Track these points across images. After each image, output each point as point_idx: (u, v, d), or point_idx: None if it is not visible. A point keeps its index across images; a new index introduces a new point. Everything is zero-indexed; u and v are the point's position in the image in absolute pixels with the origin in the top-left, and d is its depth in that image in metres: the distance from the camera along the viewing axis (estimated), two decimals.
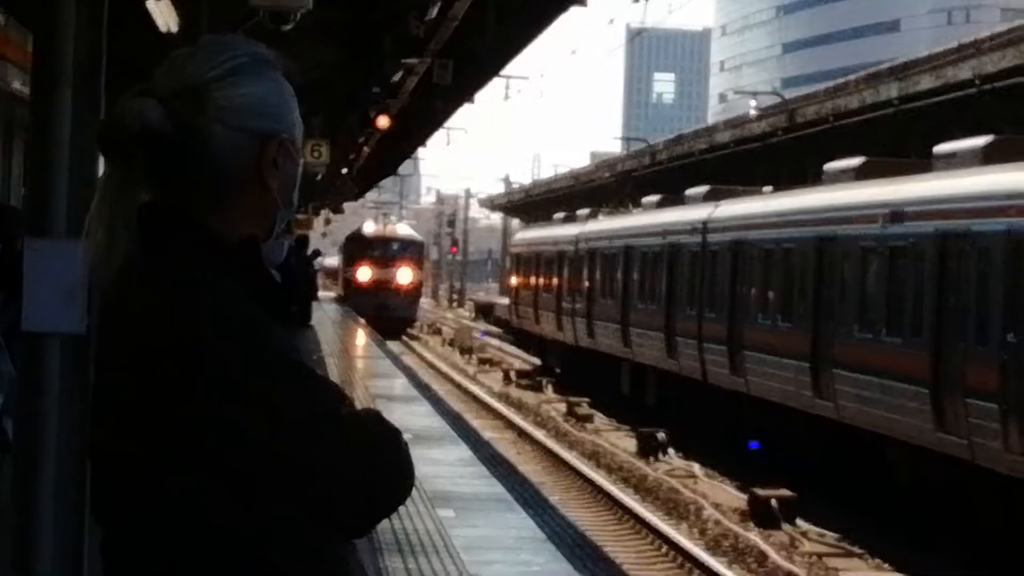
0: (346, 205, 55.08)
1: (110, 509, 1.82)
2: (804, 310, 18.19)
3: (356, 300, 45.57)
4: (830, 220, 17.70)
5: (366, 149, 25.43)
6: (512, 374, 32.57)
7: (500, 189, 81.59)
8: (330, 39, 12.91)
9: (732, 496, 17.00)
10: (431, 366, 34.39)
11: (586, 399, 26.28)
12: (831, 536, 14.72)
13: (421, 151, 36.28)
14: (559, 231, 34.88)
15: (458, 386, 29.38)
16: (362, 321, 36.72)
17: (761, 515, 15.29)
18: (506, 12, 14.20)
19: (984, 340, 13.59)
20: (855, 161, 18.61)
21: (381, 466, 1.79)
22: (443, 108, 20.18)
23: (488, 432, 20.70)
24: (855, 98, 25.00)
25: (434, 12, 11.82)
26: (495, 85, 20.57)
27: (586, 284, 30.18)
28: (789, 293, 18.83)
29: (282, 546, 1.76)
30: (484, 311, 60.66)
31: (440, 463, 12.74)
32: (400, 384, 20.87)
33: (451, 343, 44.02)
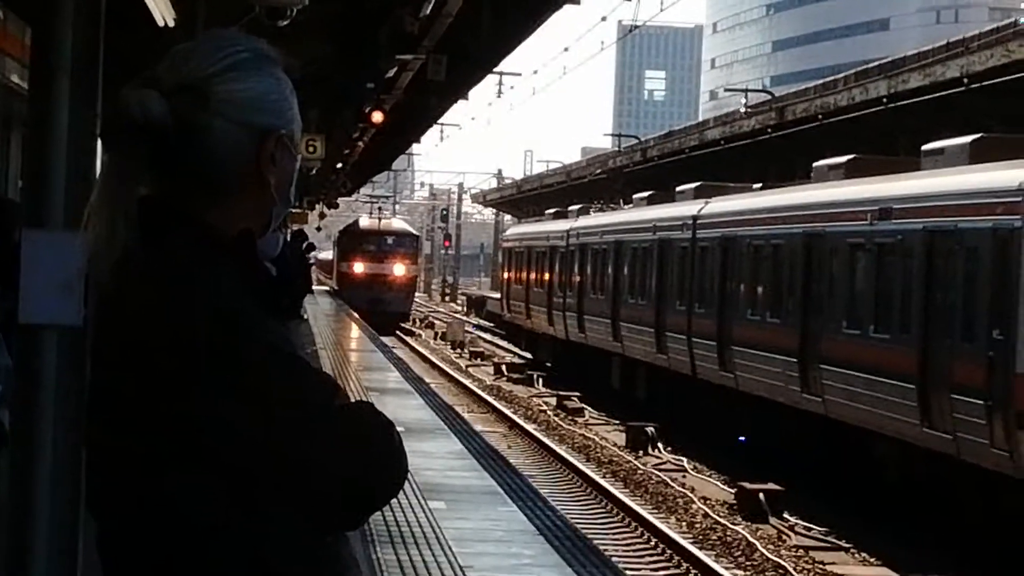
0: (340, 200, 55.07)
1: (106, 504, 1.83)
2: (792, 306, 18.30)
3: (350, 294, 45.48)
4: (819, 217, 17.81)
5: (360, 144, 25.47)
6: (503, 368, 32.66)
7: (493, 184, 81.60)
8: (325, 35, 12.98)
9: (720, 490, 17.11)
10: (424, 359, 34.45)
11: (576, 393, 26.38)
12: (818, 530, 14.83)
13: (415, 146, 36.33)
14: (550, 226, 34.95)
15: (450, 379, 29.46)
16: (355, 315, 36.76)
17: (749, 509, 15.41)
18: (500, 9, 14.26)
19: (970, 337, 13.70)
20: (844, 158, 18.72)
21: (374, 458, 1.80)
22: (437, 104, 20.24)
23: (479, 425, 20.78)
24: (844, 96, 25.11)
25: (428, 8, 11.88)
26: (488, 81, 20.63)
27: (577, 279, 30.26)
28: (778, 289, 18.93)
29: (278, 543, 1.76)
30: (476, 305, 60.72)
31: (431, 456, 12.83)
32: (393, 377, 20.96)
33: (443, 336, 44.06)
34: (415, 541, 8.57)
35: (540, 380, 30.28)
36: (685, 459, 19.31)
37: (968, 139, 15.60)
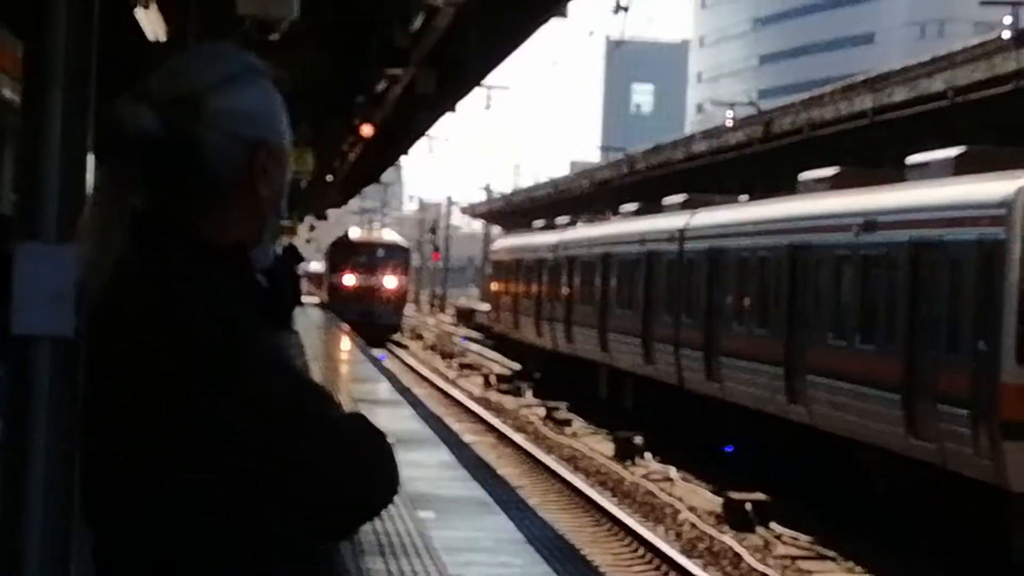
0: (330, 212, 55.08)
1: (103, 511, 1.84)
2: (779, 317, 18.40)
3: (341, 306, 45.32)
4: (805, 229, 17.92)
5: (350, 157, 25.55)
6: (492, 379, 32.70)
7: (481, 197, 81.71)
8: (316, 48, 13.05)
9: (707, 499, 17.18)
10: (413, 370, 34.48)
11: (564, 403, 26.45)
12: (805, 539, 14.91)
13: (403, 159, 36.39)
14: (539, 238, 35.05)
15: (439, 390, 29.50)
16: (346, 327, 36.75)
17: (736, 518, 15.48)
18: (489, 23, 14.35)
19: (955, 347, 13.81)
20: (829, 171, 18.85)
21: (367, 468, 1.80)
22: (426, 117, 20.31)
23: (468, 436, 20.83)
24: (830, 109, 25.26)
25: (418, 24, 11.97)
26: (476, 95, 20.71)
27: (565, 290, 30.35)
28: (764, 300, 19.04)
29: (277, 544, 1.77)
30: (465, 317, 60.77)
31: (421, 466, 12.87)
32: (383, 388, 21.00)
33: (432, 348, 44.08)
34: (404, 551, 8.61)
35: (529, 390, 30.34)
36: (672, 469, 19.38)
37: (953, 152, 15.73)
